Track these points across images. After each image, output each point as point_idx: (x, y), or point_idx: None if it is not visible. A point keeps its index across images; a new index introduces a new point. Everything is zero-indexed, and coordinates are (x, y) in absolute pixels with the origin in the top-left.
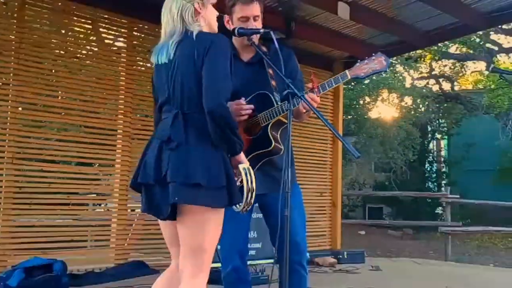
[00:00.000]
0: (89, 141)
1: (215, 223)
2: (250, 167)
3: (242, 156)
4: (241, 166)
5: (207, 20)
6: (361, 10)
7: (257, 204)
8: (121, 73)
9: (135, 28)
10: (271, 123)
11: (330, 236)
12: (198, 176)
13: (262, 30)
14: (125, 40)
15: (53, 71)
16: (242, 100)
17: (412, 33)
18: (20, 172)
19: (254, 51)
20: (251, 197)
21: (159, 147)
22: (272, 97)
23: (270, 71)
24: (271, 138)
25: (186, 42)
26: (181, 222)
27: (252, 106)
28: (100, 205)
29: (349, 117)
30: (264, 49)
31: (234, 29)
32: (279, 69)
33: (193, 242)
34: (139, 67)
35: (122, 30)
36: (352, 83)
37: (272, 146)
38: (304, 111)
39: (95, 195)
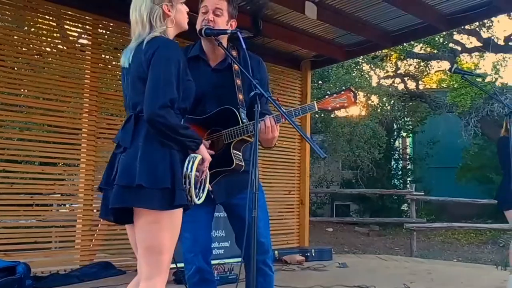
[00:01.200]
0: (53, 140)
1: (169, 225)
2: (198, 157)
3: (201, 149)
4: (191, 155)
5: (176, 21)
6: (328, 10)
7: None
8: (86, 71)
9: (100, 26)
10: (234, 141)
11: (298, 234)
12: (141, 178)
13: (229, 30)
14: (90, 38)
15: (15, 68)
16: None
17: (377, 33)
18: None
19: (223, 55)
20: (188, 183)
21: (113, 152)
22: (238, 115)
23: (238, 82)
24: (233, 157)
25: (140, 47)
26: (135, 225)
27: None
28: (64, 205)
29: (316, 115)
30: (234, 53)
31: (201, 29)
32: (247, 73)
33: (147, 244)
34: (104, 65)
35: (87, 27)
36: (319, 82)
37: (234, 165)
38: (270, 136)
39: (59, 195)
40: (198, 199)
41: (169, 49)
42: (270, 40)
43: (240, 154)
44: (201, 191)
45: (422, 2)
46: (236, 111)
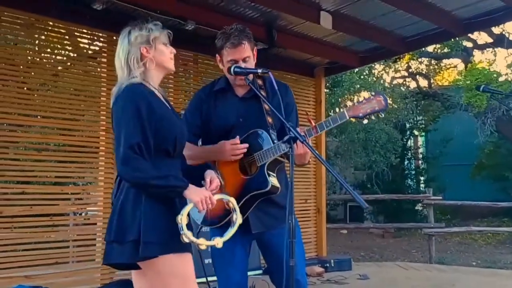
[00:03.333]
0: (71, 160)
1: (161, 274)
2: (186, 207)
3: (186, 194)
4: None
5: (157, 62)
6: (343, 19)
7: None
8: (102, 88)
9: (115, 43)
10: (267, 163)
11: (315, 243)
12: (112, 233)
13: (259, 71)
14: (105, 55)
15: (27, 88)
16: (237, 139)
17: (392, 39)
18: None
19: (249, 88)
20: (181, 228)
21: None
22: (268, 135)
23: (266, 106)
24: (268, 178)
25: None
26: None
27: (246, 145)
28: (84, 224)
29: None
30: (260, 82)
31: (229, 68)
32: (276, 105)
33: None
34: None
35: (102, 44)
36: (333, 88)
37: (269, 187)
38: (301, 151)
39: (78, 214)
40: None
41: (126, 98)
42: (283, 50)
43: (275, 175)
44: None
45: (438, 7)
46: (266, 132)
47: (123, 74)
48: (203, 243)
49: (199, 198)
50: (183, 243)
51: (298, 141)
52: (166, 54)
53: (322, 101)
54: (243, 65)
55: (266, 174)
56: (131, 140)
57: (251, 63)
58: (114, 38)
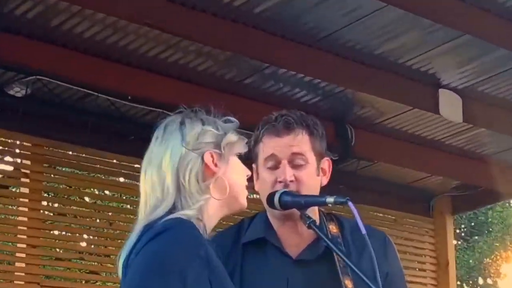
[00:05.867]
0: None
1: None
2: None
3: None
4: None
5: (228, 183)
6: (481, 102)
7: None
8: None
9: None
10: None
11: None
12: None
13: (329, 200)
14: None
15: None
16: None
17: None
18: None
19: (310, 236)
20: None
21: None
22: None
23: (348, 283)
24: None
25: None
26: None
27: None
28: None
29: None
30: (334, 229)
31: (270, 195)
32: (367, 273)
33: None
34: None
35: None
36: (471, 237)
37: None
38: None
39: None
40: None
41: (171, 241)
42: (368, 164)
43: None
44: None
45: None
46: None
47: (161, 202)
48: None
49: None
50: None
51: None
52: (242, 175)
53: (450, 262)
54: (292, 174)
55: None
56: None
57: (310, 176)
58: (51, 149)
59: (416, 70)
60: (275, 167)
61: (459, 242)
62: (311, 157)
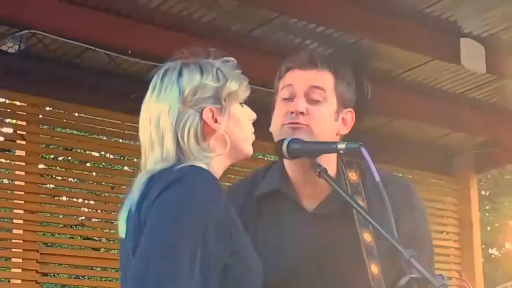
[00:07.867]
0: None
1: None
2: None
3: None
4: None
5: (228, 137)
6: (507, 51)
7: None
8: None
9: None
10: None
11: None
12: None
13: (340, 146)
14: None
15: None
16: None
17: None
18: None
19: (329, 187)
20: None
21: None
22: None
23: (367, 237)
24: None
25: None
26: None
27: None
28: None
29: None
30: (353, 176)
31: (278, 143)
32: (384, 225)
33: None
34: None
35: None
36: (495, 197)
37: None
38: None
39: None
40: None
41: (192, 189)
42: (387, 120)
43: None
44: None
45: None
46: None
47: (161, 158)
48: None
49: None
50: None
51: None
52: (244, 125)
53: (473, 224)
54: (305, 107)
55: None
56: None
57: (326, 118)
58: (47, 109)
59: (436, 18)
60: (290, 98)
61: (484, 203)
62: (331, 97)
